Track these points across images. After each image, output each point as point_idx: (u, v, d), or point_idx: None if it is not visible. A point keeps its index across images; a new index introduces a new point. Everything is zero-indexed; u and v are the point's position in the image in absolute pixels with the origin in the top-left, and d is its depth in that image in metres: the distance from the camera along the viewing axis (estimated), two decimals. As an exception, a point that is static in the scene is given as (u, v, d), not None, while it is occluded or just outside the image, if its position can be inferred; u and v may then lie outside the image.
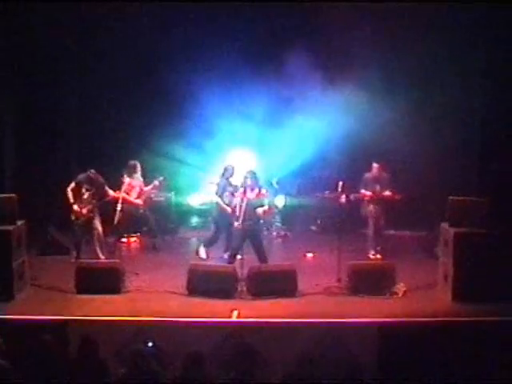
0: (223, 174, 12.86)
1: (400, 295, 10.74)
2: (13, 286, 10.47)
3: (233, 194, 12.09)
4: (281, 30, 14.55)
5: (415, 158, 14.39)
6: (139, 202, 13.25)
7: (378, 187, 12.93)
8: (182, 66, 14.15)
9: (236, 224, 11.41)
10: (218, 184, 12.87)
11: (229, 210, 12.13)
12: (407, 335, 9.19)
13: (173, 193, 15.31)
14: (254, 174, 11.72)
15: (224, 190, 12.61)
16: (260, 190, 11.60)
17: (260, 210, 11.52)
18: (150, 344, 8.96)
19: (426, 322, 9.63)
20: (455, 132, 14.52)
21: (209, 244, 12.96)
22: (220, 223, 12.78)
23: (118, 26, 13.96)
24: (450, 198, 10.96)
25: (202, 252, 12.81)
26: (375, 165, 12.95)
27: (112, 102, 14.96)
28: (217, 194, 12.68)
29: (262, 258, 11.54)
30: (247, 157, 14.80)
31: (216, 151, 14.93)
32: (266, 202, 11.76)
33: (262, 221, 12.02)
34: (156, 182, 13.38)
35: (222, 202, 12.45)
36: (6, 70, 14.14)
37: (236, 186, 12.34)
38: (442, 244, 11.05)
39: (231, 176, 12.84)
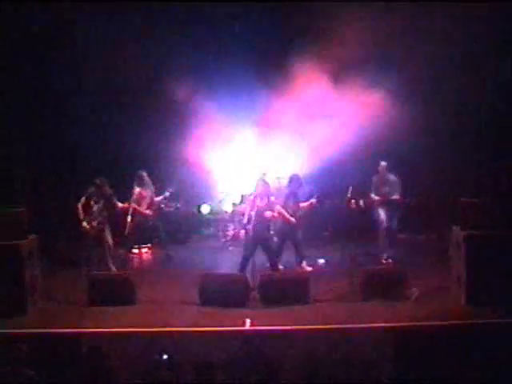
0: (289, 184, 12.50)
1: (413, 300, 10.72)
2: (26, 300, 10.49)
3: (296, 204, 12.10)
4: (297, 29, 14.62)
5: (426, 159, 14.35)
6: (149, 212, 13.27)
7: (387, 190, 12.91)
8: (188, 70, 14.34)
9: (243, 230, 11.47)
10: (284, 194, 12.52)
11: (293, 220, 12.08)
12: (421, 340, 9.11)
13: (183, 202, 15.34)
14: (265, 181, 11.76)
15: (288, 199, 12.30)
16: (269, 199, 11.61)
17: (268, 214, 11.52)
18: (165, 356, 8.95)
19: (439, 326, 9.61)
20: (468, 133, 14.42)
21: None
22: (285, 234, 12.45)
23: (124, 31, 13.93)
24: (462, 199, 10.93)
25: (305, 266, 12.45)
26: (383, 163, 12.94)
27: (123, 113, 14.97)
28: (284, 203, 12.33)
29: (274, 265, 11.56)
30: (258, 164, 14.84)
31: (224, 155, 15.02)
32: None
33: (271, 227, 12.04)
34: (167, 193, 13.42)
35: (285, 213, 12.10)
36: (13, 77, 14.14)
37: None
38: (454, 247, 11.01)
39: (299, 186, 12.43)
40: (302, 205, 12.25)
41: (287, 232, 12.28)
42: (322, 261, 13.19)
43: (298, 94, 14.32)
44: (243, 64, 14.37)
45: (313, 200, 12.26)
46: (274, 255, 11.68)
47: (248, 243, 11.55)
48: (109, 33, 13.93)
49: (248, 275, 11.14)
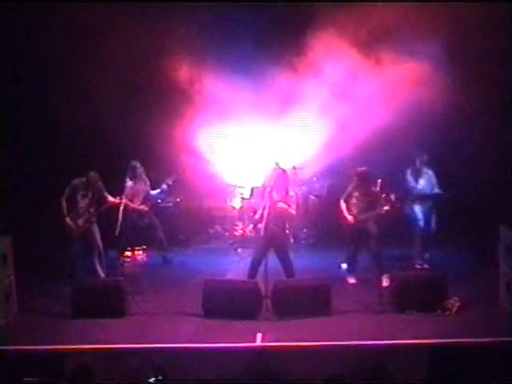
0: (357, 179, 12.38)
1: (454, 311, 10.63)
2: (-2, 312, 10.48)
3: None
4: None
5: (468, 149, 14.29)
6: (144, 207, 13.25)
7: (422, 184, 12.87)
8: (194, 49, 14.61)
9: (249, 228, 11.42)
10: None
11: (350, 219, 12.07)
12: (462, 359, 9.03)
13: (183, 197, 15.31)
14: (284, 171, 11.63)
15: (350, 196, 12.29)
16: (287, 193, 11.49)
17: (281, 205, 11.33)
18: (160, 377, 8.89)
19: (485, 344, 9.50)
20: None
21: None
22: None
23: (118, 25, 14.14)
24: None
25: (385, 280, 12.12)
26: (419, 159, 12.93)
27: (111, 95, 14.96)
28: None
29: (289, 271, 11.47)
30: (270, 154, 14.84)
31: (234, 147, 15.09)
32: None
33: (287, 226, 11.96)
34: (164, 186, 13.39)
35: (345, 211, 12.17)
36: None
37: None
38: (503, 250, 10.92)
39: (365, 181, 12.27)
40: None
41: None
42: (344, 266, 13.11)
43: (315, 72, 14.53)
44: (254, 41, 14.69)
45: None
46: (289, 260, 11.56)
47: (259, 245, 11.43)
48: (108, 13, 14.14)
49: (260, 282, 11.03)
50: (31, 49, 14.29)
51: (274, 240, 11.39)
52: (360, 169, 12.30)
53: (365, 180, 12.18)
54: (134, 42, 14.43)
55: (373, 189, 12.15)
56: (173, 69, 14.73)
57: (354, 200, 12.18)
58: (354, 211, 12.11)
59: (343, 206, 12.17)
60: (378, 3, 14.10)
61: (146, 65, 14.89)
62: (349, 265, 12.44)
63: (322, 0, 14.38)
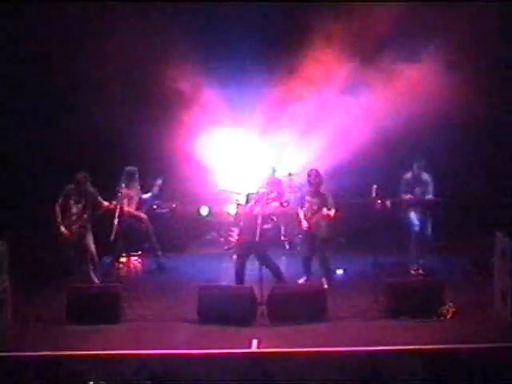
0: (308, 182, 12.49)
1: (449, 317, 10.64)
2: (-7, 318, 10.46)
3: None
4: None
5: (463, 156, 14.32)
6: (144, 216, 13.28)
7: (418, 190, 12.87)
8: (193, 60, 14.80)
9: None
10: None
11: (304, 224, 12.15)
12: (458, 365, 9.07)
13: (178, 203, 15.31)
14: (277, 179, 11.70)
15: (304, 200, 12.42)
16: (281, 200, 11.55)
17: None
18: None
19: (480, 350, 9.47)
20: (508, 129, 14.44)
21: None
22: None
23: (117, 25, 14.34)
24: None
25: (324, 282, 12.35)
26: (416, 164, 12.91)
27: (104, 98, 15.00)
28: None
29: (277, 275, 11.56)
30: (267, 160, 14.91)
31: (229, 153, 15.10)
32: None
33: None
34: (155, 189, 13.38)
35: (301, 215, 12.27)
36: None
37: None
38: (499, 256, 10.93)
39: (313, 183, 12.29)
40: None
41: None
42: (340, 271, 13.14)
43: (312, 79, 14.69)
44: (251, 51, 14.84)
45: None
46: (273, 265, 11.63)
47: (237, 252, 11.65)
48: (110, 22, 14.31)
49: (255, 288, 11.05)
50: (32, 50, 14.32)
51: (250, 247, 11.48)
52: (309, 170, 12.31)
53: (313, 182, 12.22)
54: (133, 49, 14.59)
55: (321, 191, 12.19)
56: (172, 76, 14.74)
57: (307, 204, 12.26)
58: (308, 215, 12.16)
59: (300, 212, 12.24)
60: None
61: (144, 72, 14.94)
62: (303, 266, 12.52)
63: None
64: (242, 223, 11.44)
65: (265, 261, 11.57)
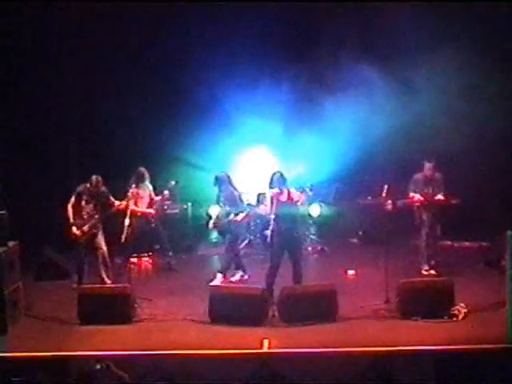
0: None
1: (460, 318, 10.63)
2: (5, 317, 10.47)
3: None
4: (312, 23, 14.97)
5: (474, 156, 14.30)
6: (151, 210, 13.29)
7: (430, 190, 12.84)
8: (196, 63, 14.72)
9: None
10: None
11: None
12: (469, 366, 9.06)
13: (189, 204, 15.32)
14: (281, 174, 11.62)
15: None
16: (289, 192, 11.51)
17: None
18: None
19: (492, 350, 9.47)
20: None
21: None
22: None
23: (127, 26, 14.57)
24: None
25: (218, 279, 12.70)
26: (428, 164, 12.86)
27: (117, 102, 15.04)
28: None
29: (298, 276, 11.47)
30: (277, 161, 14.90)
31: (240, 153, 15.14)
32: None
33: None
34: (166, 192, 13.38)
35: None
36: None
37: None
38: (510, 256, 10.88)
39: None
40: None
41: None
42: (351, 272, 13.13)
43: (320, 78, 14.74)
44: (262, 55, 14.95)
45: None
46: (300, 266, 11.55)
47: (274, 250, 11.47)
48: (122, 28, 14.50)
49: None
50: (33, 51, 14.38)
51: (288, 243, 11.43)
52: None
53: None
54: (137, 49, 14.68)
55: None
56: (179, 76, 14.80)
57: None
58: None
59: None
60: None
61: (151, 71, 15.00)
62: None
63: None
64: (276, 221, 11.24)
65: (297, 260, 11.48)
